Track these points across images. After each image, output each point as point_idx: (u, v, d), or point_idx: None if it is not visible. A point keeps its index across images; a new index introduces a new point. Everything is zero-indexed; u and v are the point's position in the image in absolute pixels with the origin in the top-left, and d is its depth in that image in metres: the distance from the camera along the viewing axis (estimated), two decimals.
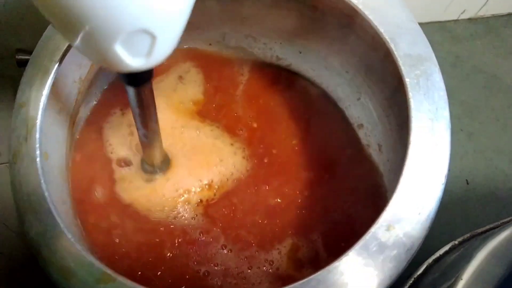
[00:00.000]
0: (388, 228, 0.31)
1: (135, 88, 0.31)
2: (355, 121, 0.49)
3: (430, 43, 0.66)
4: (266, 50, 0.52)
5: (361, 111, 0.48)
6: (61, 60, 0.37)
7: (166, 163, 0.45)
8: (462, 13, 0.69)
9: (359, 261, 0.30)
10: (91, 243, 0.42)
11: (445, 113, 0.36)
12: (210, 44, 0.52)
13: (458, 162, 0.59)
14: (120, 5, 0.21)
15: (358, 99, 0.48)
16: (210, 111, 0.49)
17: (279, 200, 0.45)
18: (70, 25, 0.23)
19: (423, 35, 0.39)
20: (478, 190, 0.58)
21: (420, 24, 0.67)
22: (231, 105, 0.50)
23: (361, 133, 0.49)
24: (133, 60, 0.25)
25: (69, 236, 0.32)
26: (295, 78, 0.52)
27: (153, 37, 0.24)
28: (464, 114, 0.63)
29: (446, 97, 0.36)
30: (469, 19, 0.70)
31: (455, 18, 0.70)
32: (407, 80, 0.36)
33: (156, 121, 0.36)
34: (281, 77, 0.53)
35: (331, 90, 0.51)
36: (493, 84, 0.64)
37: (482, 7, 0.68)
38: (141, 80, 0.30)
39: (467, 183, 0.58)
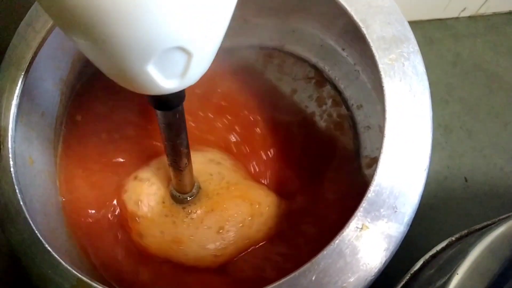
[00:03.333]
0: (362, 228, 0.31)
1: (165, 112, 0.29)
2: (354, 101, 0.49)
3: (430, 40, 0.67)
4: (258, 31, 0.51)
5: (359, 90, 0.47)
6: (28, 69, 0.38)
7: (196, 190, 0.43)
8: (462, 10, 0.69)
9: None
10: (79, 242, 0.42)
11: (425, 100, 0.33)
12: None
13: (457, 159, 0.60)
14: (155, 22, 0.19)
15: (357, 78, 0.47)
16: None
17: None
18: (96, 45, 0.20)
19: (399, 12, 0.36)
20: (476, 188, 0.58)
21: (421, 21, 0.69)
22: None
23: (360, 114, 0.48)
24: (166, 81, 0.23)
25: (46, 244, 0.34)
26: (289, 60, 0.52)
27: (188, 54, 0.22)
28: (463, 112, 0.63)
29: (426, 81, 0.34)
30: (470, 17, 0.70)
31: (455, 15, 0.70)
32: (380, 66, 0.33)
33: (187, 146, 0.35)
34: (274, 59, 0.52)
35: (328, 70, 0.51)
36: (493, 82, 0.65)
37: (482, 5, 0.68)
38: (173, 103, 0.28)
39: (466, 181, 0.59)
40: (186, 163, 0.37)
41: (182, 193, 0.42)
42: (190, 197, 0.43)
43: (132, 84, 0.23)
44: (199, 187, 0.44)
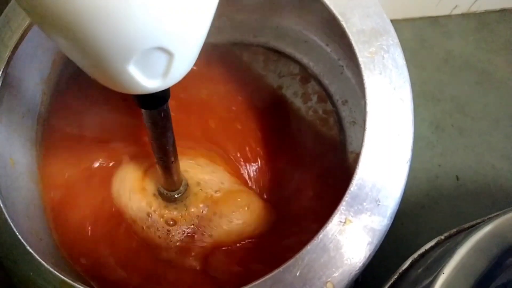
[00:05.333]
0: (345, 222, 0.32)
1: (150, 111, 0.30)
2: (339, 97, 0.50)
3: (422, 38, 0.69)
4: (242, 28, 0.52)
5: (344, 86, 0.49)
6: (5, 69, 0.38)
7: (184, 188, 0.44)
8: (454, 8, 0.70)
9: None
10: (62, 244, 0.43)
11: (405, 93, 0.34)
12: None
13: (448, 157, 0.61)
14: (134, 22, 0.19)
15: (341, 73, 0.48)
16: None
17: None
18: (76, 45, 0.21)
19: (378, 5, 0.36)
20: (468, 186, 0.59)
21: (412, 19, 0.70)
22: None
23: (346, 110, 0.50)
24: (148, 81, 0.23)
25: (28, 246, 0.34)
26: (273, 56, 0.53)
27: (170, 54, 0.22)
28: (455, 110, 0.64)
29: (406, 74, 0.34)
30: (462, 15, 0.72)
31: (447, 13, 0.71)
32: (360, 59, 0.34)
33: (173, 144, 0.36)
34: (259, 56, 0.53)
35: (313, 66, 0.52)
36: (485, 80, 0.66)
37: (474, 3, 0.70)
38: (157, 102, 0.29)
39: (458, 179, 0.60)
40: (172, 161, 0.38)
41: (169, 190, 0.43)
42: (177, 194, 0.44)
43: (114, 84, 0.24)
44: (187, 185, 0.44)
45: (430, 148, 0.62)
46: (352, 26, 0.35)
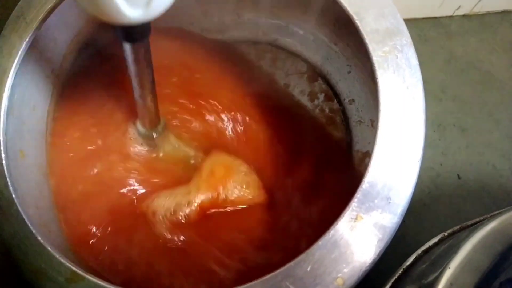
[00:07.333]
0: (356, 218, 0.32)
1: (131, 44, 0.31)
2: (346, 96, 0.50)
3: (424, 39, 0.69)
4: (251, 26, 0.52)
5: (352, 85, 0.49)
6: (19, 61, 0.38)
7: (162, 128, 0.44)
8: (457, 9, 0.70)
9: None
10: (71, 236, 0.43)
11: (418, 92, 0.35)
12: (191, 24, 0.52)
13: (450, 156, 0.61)
14: None
15: (349, 72, 0.48)
16: None
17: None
18: None
19: (392, 5, 0.37)
20: (469, 185, 0.60)
21: (415, 19, 0.70)
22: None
23: (352, 109, 0.50)
24: (131, 10, 0.25)
25: (39, 237, 0.34)
26: (281, 54, 0.53)
27: None
28: (457, 110, 0.65)
29: (419, 74, 0.35)
30: (464, 16, 0.72)
31: (450, 14, 0.71)
32: (374, 59, 0.35)
33: (153, 81, 0.37)
34: (267, 54, 0.53)
35: (320, 65, 0.52)
36: (486, 80, 0.66)
37: (477, 4, 0.70)
38: (138, 35, 0.30)
39: (459, 178, 0.60)
40: (151, 98, 0.39)
41: (148, 128, 0.44)
42: (155, 133, 0.44)
43: (99, 11, 0.25)
44: (165, 125, 0.45)
45: (432, 147, 0.62)
46: (366, 26, 0.35)
